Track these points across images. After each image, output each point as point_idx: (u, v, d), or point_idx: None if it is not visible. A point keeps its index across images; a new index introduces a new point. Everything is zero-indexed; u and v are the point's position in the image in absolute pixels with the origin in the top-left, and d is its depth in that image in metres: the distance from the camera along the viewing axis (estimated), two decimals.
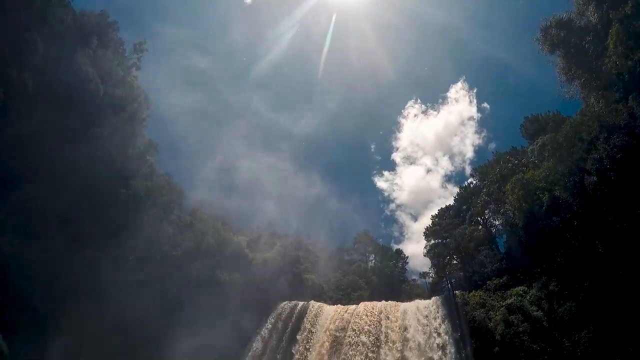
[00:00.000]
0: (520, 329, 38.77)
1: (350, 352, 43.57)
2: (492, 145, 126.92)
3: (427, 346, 42.52)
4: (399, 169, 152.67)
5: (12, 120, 41.57)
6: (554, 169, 41.14)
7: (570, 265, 38.01)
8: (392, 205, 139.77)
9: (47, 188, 41.84)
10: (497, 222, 53.36)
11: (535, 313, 39.02)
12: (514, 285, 43.27)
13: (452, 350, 41.58)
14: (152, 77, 61.30)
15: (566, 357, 35.63)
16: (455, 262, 55.23)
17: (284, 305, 52.47)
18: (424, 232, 60.50)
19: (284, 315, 50.83)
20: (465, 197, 58.99)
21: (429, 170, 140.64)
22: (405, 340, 43.53)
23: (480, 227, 53.55)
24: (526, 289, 41.80)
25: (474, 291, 46.07)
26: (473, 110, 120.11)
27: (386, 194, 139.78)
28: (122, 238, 45.91)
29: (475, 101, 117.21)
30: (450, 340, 42.34)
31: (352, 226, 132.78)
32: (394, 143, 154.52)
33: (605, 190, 35.82)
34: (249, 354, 47.11)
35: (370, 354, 43.03)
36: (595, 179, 36.73)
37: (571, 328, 36.34)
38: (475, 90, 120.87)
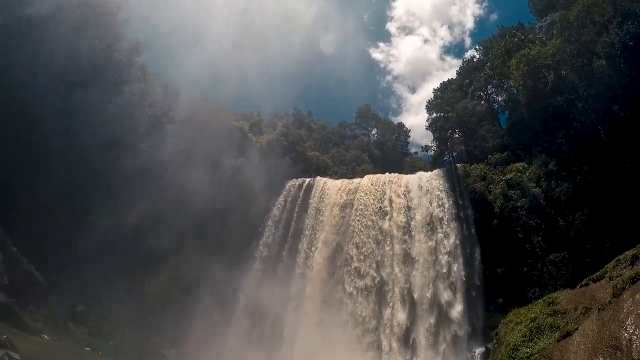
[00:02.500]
0: (519, 203, 41.48)
1: (357, 222, 47.12)
2: (494, 17, 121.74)
3: (430, 215, 45.83)
4: (394, 40, 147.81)
5: None
6: (561, 47, 40.95)
7: (571, 147, 39.78)
8: (389, 77, 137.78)
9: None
10: (499, 98, 54.24)
11: (533, 190, 41.45)
12: (514, 162, 45.08)
13: (453, 220, 45.01)
14: None
15: (560, 235, 38.93)
16: (457, 136, 56.87)
17: (292, 183, 54.82)
18: (425, 106, 61.41)
19: (292, 193, 53.61)
20: (468, 71, 58.99)
21: (426, 41, 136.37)
22: (408, 209, 46.79)
23: (483, 102, 54.50)
24: (526, 165, 43.72)
25: (475, 164, 47.99)
26: None
27: (382, 65, 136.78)
28: (119, 150, 46.32)
29: None
30: (452, 211, 45.54)
31: (349, 101, 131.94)
32: (388, 12, 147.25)
33: (613, 76, 36.16)
34: (262, 239, 50.78)
35: (375, 223, 46.58)
36: (604, 62, 36.84)
37: (567, 208, 39.11)
38: None
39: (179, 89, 56.78)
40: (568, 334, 10.49)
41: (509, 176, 43.61)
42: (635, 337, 8.35)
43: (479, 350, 37.02)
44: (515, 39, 49.48)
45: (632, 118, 35.95)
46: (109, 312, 42.76)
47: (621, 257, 12.53)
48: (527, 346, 11.60)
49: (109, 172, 44.97)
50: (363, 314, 42.21)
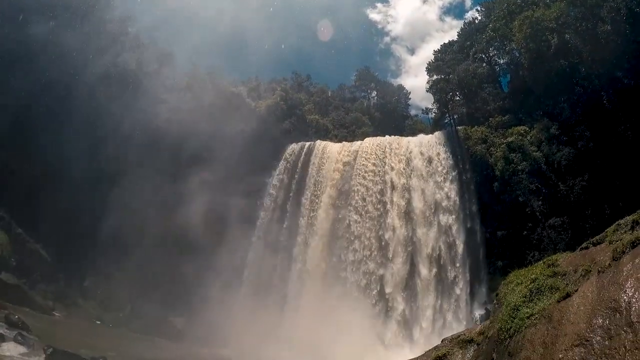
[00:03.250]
0: (519, 167, 41.68)
1: (358, 185, 47.84)
2: None
3: (430, 178, 46.50)
4: (392, 0, 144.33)
5: None
6: (566, 10, 40.44)
7: (573, 112, 39.82)
8: (387, 39, 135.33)
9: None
10: (501, 61, 53.83)
11: (534, 153, 41.59)
12: (515, 125, 44.92)
13: (454, 183, 45.77)
14: None
15: (560, 200, 39.42)
16: (457, 98, 56.59)
17: (292, 147, 55.14)
18: (426, 68, 60.86)
19: (292, 157, 53.96)
20: (469, 33, 58.23)
21: (425, 1, 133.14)
22: (409, 172, 47.41)
23: (484, 64, 54.00)
24: (527, 129, 43.69)
25: (476, 127, 47.91)
26: None
27: (380, 26, 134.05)
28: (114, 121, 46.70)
29: None
30: (453, 174, 46.27)
31: (348, 64, 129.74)
32: None
33: (618, 42, 35.82)
34: (263, 204, 51.63)
35: (376, 185, 47.28)
36: (609, 28, 36.48)
37: (567, 173, 39.45)
38: None
39: (174, 58, 56.55)
40: (568, 295, 10.67)
41: (510, 139, 43.57)
42: (634, 300, 8.70)
43: (479, 312, 38.13)
44: (518, 1, 48.67)
45: (636, 85, 35.99)
46: (117, 285, 43.66)
47: (621, 221, 12.70)
48: (527, 306, 11.78)
49: (104, 149, 45.61)
50: (366, 270, 43.33)
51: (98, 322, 43.03)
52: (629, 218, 12.46)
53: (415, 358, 18.34)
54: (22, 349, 26.90)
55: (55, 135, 43.25)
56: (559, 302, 10.87)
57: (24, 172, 43.01)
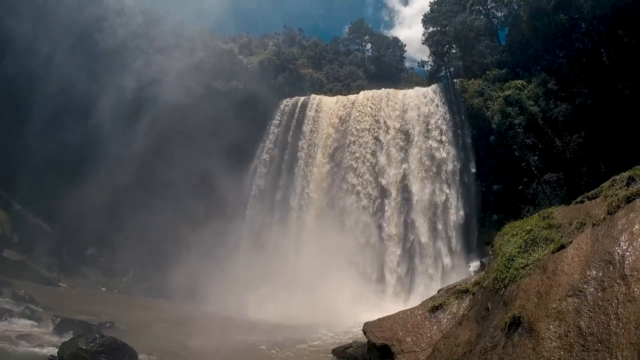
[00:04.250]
0: (516, 121, 41.79)
1: (354, 137, 48.14)
2: None
3: (426, 130, 46.74)
4: None
5: None
6: None
7: (572, 68, 39.68)
8: None
9: None
10: (499, 14, 52.80)
11: (532, 108, 41.61)
12: (513, 79, 44.74)
13: (450, 136, 46.08)
14: None
15: (555, 155, 39.88)
16: (454, 51, 55.92)
17: (286, 102, 54.90)
18: (422, 19, 59.65)
19: (287, 112, 53.83)
20: None
21: None
22: (405, 124, 47.61)
23: (482, 16, 53.14)
24: (525, 83, 43.57)
25: (472, 80, 47.75)
26: None
27: None
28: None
29: None
30: (449, 127, 46.54)
31: (340, 16, 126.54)
32: None
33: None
34: (259, 160, 51.92)
35: (373, 138, 47.61)
36: None
37: (564, 129, 39.74)
38: None
39: (161, 17, 55.39)
40: (562, 247, 10.90)
41: (507, 93, 43.44)
42: (628, 254, 9.00)
43: (473, 264, 39.16)
44: None
45: (636, 44, 35.70)
46: (119, 251, 44.77)
47: (617, 177, 12.84)
48: (522, 257, 12.02)
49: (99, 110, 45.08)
50: (361, 221, 44.34)
51: (103, 289, 44.41)
52: (625, 174, 12.64)
53: (412, 308, 18.96)
54: (31, 322, 28.02)
55: (44, 100, 43.06)
56: (553, 253, 11.14)
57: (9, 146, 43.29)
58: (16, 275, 37.40)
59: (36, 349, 21.82)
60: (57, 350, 19.66)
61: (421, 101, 48.38)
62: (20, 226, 42.81)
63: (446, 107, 47.19)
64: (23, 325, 27.17)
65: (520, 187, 40.52)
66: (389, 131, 47.16)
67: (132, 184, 43.74)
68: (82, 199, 41.92)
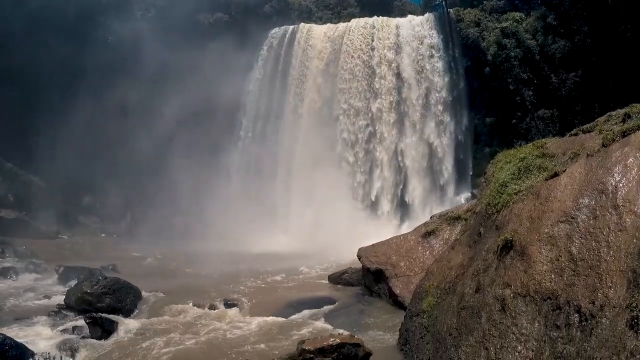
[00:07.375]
0: (512, 53, 41.41)
1: (346, 67, 47.64)
2: None
3: (420, 60, 46.38)
4: None
5: None
6: None
7: (573, 4, 38.78)
8: None
9: None
10: None
11: (529, 41, 41.26)
12: (511, 11, 44.05)
13: (444, 66, 45.88)
14: None
15: (550, 92, 39.99)
16: None
17: (274, 32, 53.64)
18: None
19: (275, 42, 52.76)
20: None
21: None
22: (398, 54, 46.99)
23: None
24: (523, 16, 43.00)
25: (469, 9, 47.07)
26: None
27: None
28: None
29: None
30: (443, 56, 46.18)
31: None
32: None
33: None
34: (248, 94, 51.62)
35: (365, 67, 47.13)
36: None
37: (561, 66, 39.57)
38: None
39: None
40: (556, 175, 11.18)
41: (504, 24, 42.83)
42: (621, 185, 9.30)
43: (464, 195, 40.31)
44: None
45: None
46: (115, 197, 45.35)
47: (613, 113, 13.00)
48: (515, 183, 12.30)
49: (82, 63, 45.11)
50: (354, 150, 45.08)
51: (103, 235, 45.43)
52: (621, 111, 12.79)
53: (405, 233, 19.86)
54: (35, 275, 28.84)
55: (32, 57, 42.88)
56: (546, 180, 11.43)
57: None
58: (16, 233, 37.97)
59: (44, 301, 22.30)
60: (64, 297, 20.29)
61: (415, 30, 47.60)
62: (14, 184, 43.32)
63: (441, 37, 46.52)
64: (28, 279, 27.91)
65: (514, 121, 40.92)
66: (382, 61, 46.67)
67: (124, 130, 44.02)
68: (70, 148, 42.04)
